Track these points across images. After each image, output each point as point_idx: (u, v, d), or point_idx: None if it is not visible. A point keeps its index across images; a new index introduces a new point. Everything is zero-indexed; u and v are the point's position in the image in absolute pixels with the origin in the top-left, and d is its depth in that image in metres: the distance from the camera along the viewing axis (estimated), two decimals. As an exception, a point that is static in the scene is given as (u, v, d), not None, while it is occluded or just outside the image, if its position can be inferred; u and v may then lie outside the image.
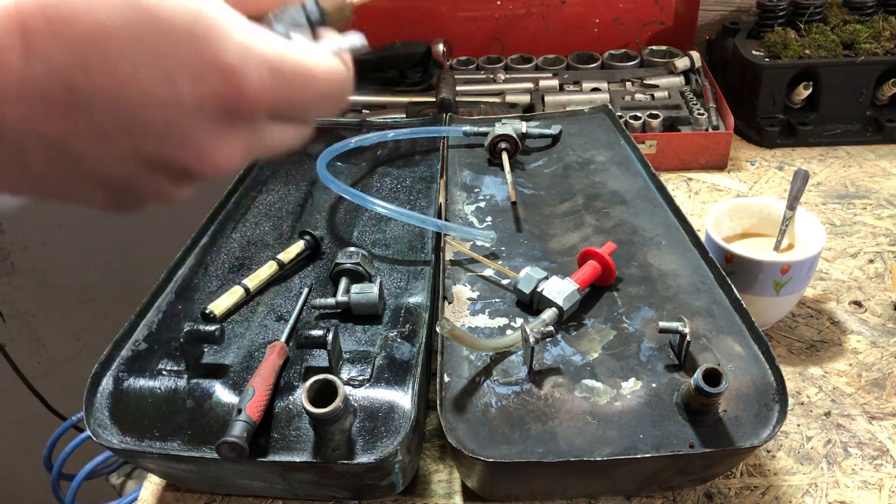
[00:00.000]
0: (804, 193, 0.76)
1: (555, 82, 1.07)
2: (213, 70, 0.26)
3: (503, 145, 0.79)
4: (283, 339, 0.56)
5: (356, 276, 0.62)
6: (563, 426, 0.50)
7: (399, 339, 0.57)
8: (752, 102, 1.03)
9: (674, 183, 0.96)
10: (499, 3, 1.16)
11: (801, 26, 1.02)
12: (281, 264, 0.64)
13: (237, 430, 0.47)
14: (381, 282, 0.60)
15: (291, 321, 0.58)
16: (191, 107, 0.26)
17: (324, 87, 0.30)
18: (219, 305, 0.59)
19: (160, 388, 0.54)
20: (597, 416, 0.51)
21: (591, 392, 0.52)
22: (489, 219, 0.71)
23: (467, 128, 0.84)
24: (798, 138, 1.01)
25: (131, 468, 1.04)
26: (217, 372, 0.54)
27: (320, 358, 0.55)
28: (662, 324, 0.54)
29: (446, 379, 0.53)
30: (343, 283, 0.61)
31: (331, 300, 0.59)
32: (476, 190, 0.76)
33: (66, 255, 1.45)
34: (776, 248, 0.69)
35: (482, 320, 0.59)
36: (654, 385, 0.52)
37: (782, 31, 1.02)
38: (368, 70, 1.10)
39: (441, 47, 1.09)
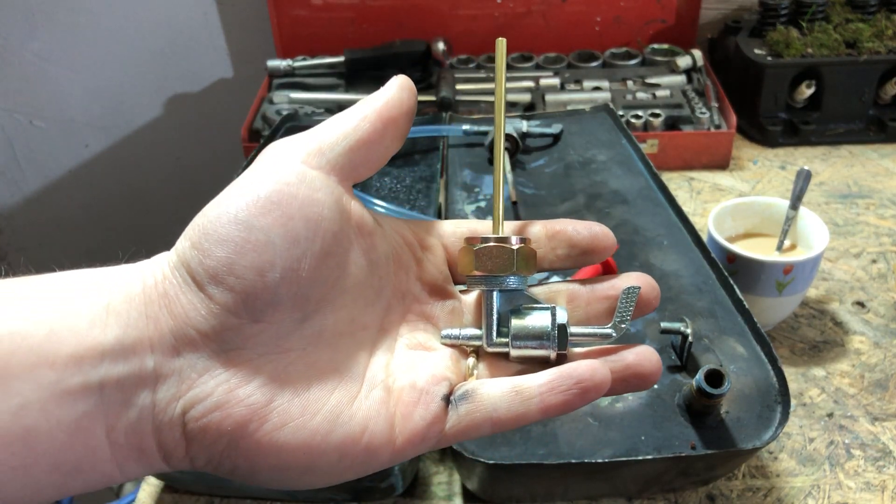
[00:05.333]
0: (807, 193, 0.76)
1: (556, 81, 1.06)
2: (367, 468, 0.29)
3: (504, 144, 0.78)
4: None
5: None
6: (564, 428, 0.50)
7: (398, 340, 0.56)
8: (754, 101, 1.02)
9: (676, 182, 0.95)
10: (499, 1, 1.16)
11: (804, 25, 1.02)
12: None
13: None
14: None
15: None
16: (337, 475, 0.29)
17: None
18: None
19: (157, 389, 0.53)
20: (598, 417, 0.50)
21: (593, 393, 0.51)
22: (489, 219, 0.70)
23: (467, 127, 0.83)
24: (801, 137, 1.01)
25: (130, 468, 1.04)
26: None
27: (319, 359, 0.54)
28: (664, 324, 0.53)
29: (446, 380, 0.53)
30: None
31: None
32: (476, 190, 0.75)
33: (63, 256, 1.45)
34: (779, 248, 0.68)
35: (482, 321, 0.58)
36: (655, 386, 0.52)
37: (784, 29, 1.01)
38: (367, 69, 1.10)
39: (441, 46, 1.08)
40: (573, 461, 0.48)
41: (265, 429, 0.27)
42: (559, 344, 0.31)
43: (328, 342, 0.29)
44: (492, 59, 1.14)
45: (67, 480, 0.26)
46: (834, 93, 1.00)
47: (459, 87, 1.05)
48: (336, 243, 0.29)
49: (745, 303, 0.57)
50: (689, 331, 0.52)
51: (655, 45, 1.14)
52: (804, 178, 0.69)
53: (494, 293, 0.32)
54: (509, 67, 1.13)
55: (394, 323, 0.32)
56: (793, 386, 0.64)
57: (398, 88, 0.32)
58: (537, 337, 0.31)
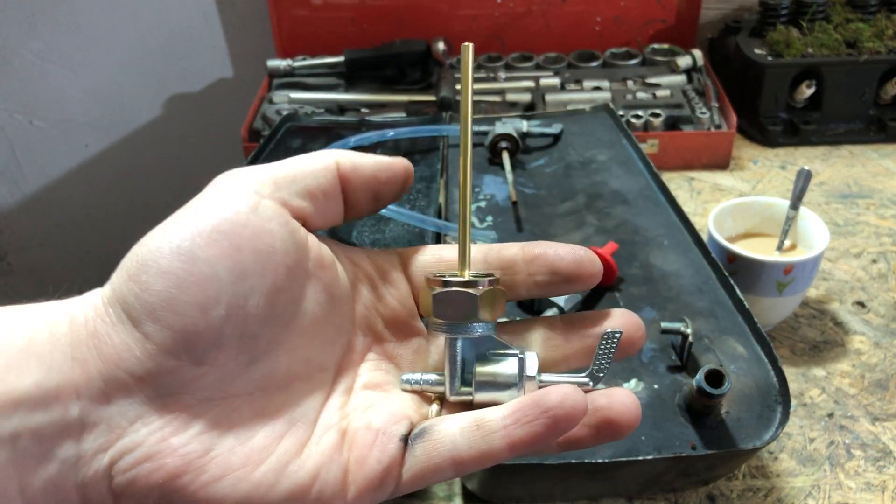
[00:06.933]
0: (807, 193, 0.76)
1: (556, 81, 1.06)
2: None
3: (504, 144, 0.79)
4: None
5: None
6: (564, 428, 0.50)
7: (398, 340, 0.56)
8: (754, 101, 1.02)
9: (676, 182, 0.95)
10: (499, 1, 1.16)
11: (804, 25, 1.02)
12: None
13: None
14: (380, 282, 0.59)
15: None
16: None
17: None
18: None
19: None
20: (598, 417, 0.50)
21: (593, 393, 0.51)
22: (490, 219, 0.70)
23: (467, 127, 0.83)
24: (801, 137, 1.01)
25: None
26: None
27: (319, 359, 0.54)
28: (664, 324, 0.53)
29: (446, 380, 0.53)
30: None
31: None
32: (476, 189, 0.75)
33: (63, 255, 1.45)
34: (779, 248, 0.68)
35: (482, 321, 0.58)
36: (655, 386, 0.52)
37: (785, 29, 1.01)
38: (367, 69, 1.10)
39: (441, 46, 1.08)
40: (573, 461, 0.47)
41: (201, 481, 0.24)
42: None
43: (280, 386, 0.27)
44: (492, 59, 1.14)
45: None
46: (834, 93, 1.00)
47: (459, 87, 1.05)
48: (290, 278, 0.26)
49: (745, 303, 0.57)
50: (689, 331, 0.52)
51: (655, 45, 1.14)
52: (804, 178, 0.69)
53: (458, 340, 0.29)
54: (509, 67, 1.13)
55: (353, 363, 0.30)
56: (793, 386, 0.64)
57: (387, 160, 0.30)
58: (504, 387, 0.28)
